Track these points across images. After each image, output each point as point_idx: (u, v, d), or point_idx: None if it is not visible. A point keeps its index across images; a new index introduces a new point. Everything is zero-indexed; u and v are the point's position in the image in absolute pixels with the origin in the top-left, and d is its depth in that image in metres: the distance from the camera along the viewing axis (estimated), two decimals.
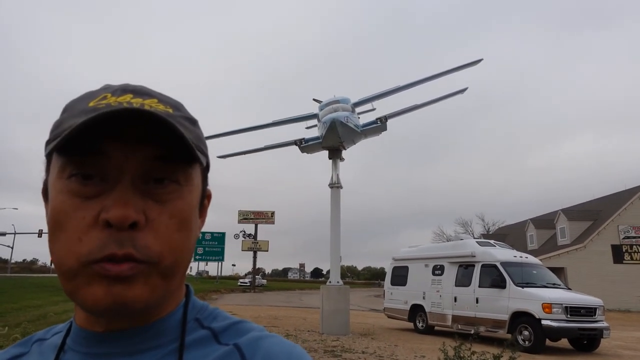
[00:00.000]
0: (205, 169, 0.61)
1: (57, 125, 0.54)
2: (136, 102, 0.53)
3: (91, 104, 0.52)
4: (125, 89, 0.55)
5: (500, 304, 11.70)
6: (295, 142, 15.60)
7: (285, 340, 0.57)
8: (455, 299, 13.17)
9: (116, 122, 0.48)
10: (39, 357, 0.60)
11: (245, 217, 46.99)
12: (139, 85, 0.57)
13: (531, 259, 13.30)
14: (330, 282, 13.73)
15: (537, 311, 10.77)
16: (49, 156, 0.54)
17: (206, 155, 0.59)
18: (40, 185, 0.57)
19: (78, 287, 0.49)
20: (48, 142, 0.53)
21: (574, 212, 32.95)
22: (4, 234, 57.74)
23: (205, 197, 0.62)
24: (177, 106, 0.57)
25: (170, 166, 0.53)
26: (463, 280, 13.15)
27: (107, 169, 0.50)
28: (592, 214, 32.24)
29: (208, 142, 0.62)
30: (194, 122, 0.58)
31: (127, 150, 0.50)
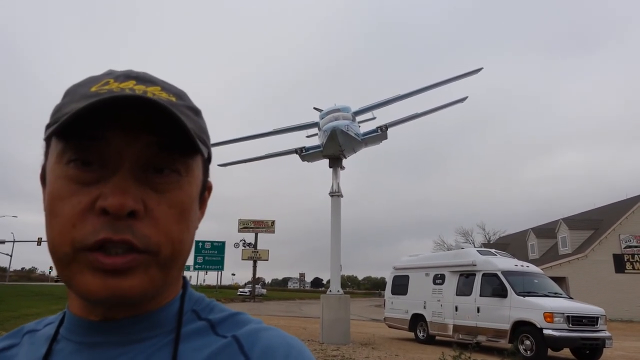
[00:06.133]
0: (207, 160, 0.60)
1: (57, 110, 0.53)
2: (139, 89, 0.52)
3: (93, 89, 0.52)
4: (128, 75, 0.54)
5: (502, 313, 11.60)
6: (295, 151, 15.60)
7: (284, 333, 0.56)
8: (456, 309, 13.07)
9: (117, 108, 0.47)
10: (31, 347, 0.58)
11: (245, 226, 46.85)
12: (142, 72, 0.56)
13: (532, 268, 13.22)
14: (330, 291, 13.65)
15: (538, 320, 10.68)
16: (48, 140, 0.53)
17: (208, 147, 0.58)
18: (39, 171, 0.56)
19: (73, 275, 0.48)
20: (48, 126, 0.52)
21: (575, 222, 32.84)
22: (3, 242, 57.44)
23: (206, 189, 0.61)
24: (180, 95, 0.56)
25: (170, 155, 0.52)
26: (464, 289, 13.07)
27: (107, 155, 0.49)
28: (594, 223, 32.10)
29: None
30: (197, 112, 0.58)
31: (128, 137, 0.49)
